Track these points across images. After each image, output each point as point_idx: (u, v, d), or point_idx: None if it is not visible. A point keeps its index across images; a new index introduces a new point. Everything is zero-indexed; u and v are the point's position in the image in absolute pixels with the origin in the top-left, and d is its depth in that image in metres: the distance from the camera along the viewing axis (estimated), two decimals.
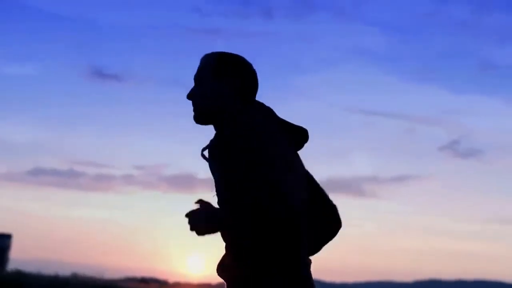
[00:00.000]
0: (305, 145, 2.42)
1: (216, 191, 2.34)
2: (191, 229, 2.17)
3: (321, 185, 2.45)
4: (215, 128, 2.42)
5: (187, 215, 2.18)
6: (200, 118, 2.42)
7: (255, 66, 2.49)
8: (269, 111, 2.38)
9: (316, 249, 2.41)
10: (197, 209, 2.19)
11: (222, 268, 2.33)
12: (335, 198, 2.35)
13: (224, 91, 2.36)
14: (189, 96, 2.43)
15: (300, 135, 2.38)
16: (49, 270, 23.77)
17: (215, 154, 2.26)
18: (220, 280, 2.34)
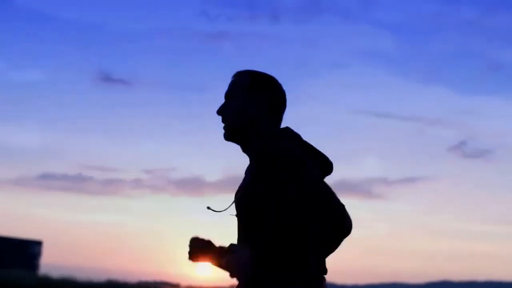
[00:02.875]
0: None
1: (242, 206, 2.32)
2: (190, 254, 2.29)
3: (331, 186, 2.42)
4: (244, 147, 2.43)
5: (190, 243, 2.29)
6: (231, 135, 2.41)
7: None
8: (295, 134, 2.38)
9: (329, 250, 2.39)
10: (202, 242, 2.27)
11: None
12: (345, 200, 2.35)
13: (255, 109, 2.38)
14: (219, 112, 2.43)
15: (324, 164, 2.37)
16: (59, 273, 23.98)
17: (266, 167, 2.25)
18: (230, 282, 2.36)
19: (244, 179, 2.41)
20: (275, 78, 2.46)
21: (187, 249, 2.30)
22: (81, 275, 22.80)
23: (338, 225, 2.19)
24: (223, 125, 2.43)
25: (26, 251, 32.17)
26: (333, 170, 2.40)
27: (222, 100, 2.47)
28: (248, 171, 2.40)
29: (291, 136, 2.37)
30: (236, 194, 2.41)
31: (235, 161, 2.52)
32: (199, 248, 2.27)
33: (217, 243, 2.28)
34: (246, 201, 2.32)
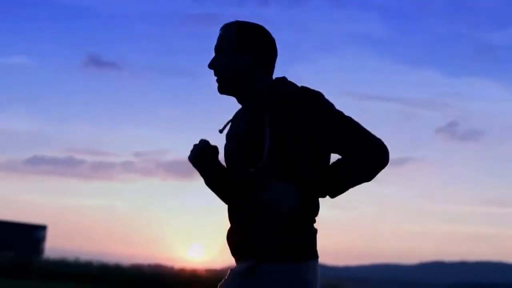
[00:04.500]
0: None
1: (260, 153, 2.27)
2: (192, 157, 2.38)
3: None
4: (239, 99, 2.42)
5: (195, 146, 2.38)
6: (224, 88, 2.40)
7: None
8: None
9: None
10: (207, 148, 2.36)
11: (231, 233, 2.35)
12: None
13: (246, 60, 2.37)
14: (210, 65, 2.42)
15: None
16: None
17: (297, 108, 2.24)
18: (224, 265, 2.43)
19: (238, 125, 2.40)
20: (263, 27, 2.44)
21: (193, 148, 2.38)
22: (71, 258, 22.88)
23: (383, 152, 2.25)
24: (215, 78, 2.42)
25: (30, 235, 32.48)
26: None
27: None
28: (243, 118, 2.38)
29: (292, 83, 2.37)
30: (232, 137, 2.42)
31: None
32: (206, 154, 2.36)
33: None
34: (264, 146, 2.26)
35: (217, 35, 2.45)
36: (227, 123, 2.46)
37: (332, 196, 2.31)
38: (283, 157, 2.24)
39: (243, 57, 2.38)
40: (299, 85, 2.32)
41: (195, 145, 2.38)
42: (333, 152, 2.30)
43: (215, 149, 2.38)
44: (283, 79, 2.38)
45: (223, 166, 2.43)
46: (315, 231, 2.30)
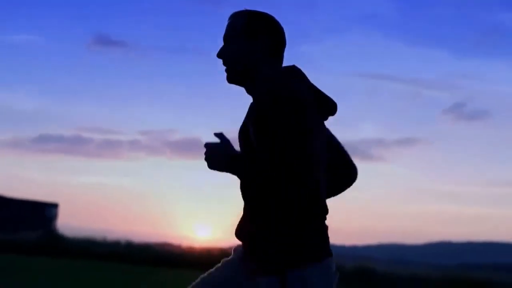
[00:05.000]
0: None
1: (245, 144, 2.31)
2: (206, 159, 2.22)
3: None
4: (248, 89, 2.38)
5: (206, 145, 2.23)
6: (233, 78, 2.38)
7: None
8: (301, 75, 2.35)
9: (334, 193, 2.51)
10: (218, 144, 2.23)
11: (241, 230, 2.35)
12: None
13: (255, 50, 2.34)
14: (219, 55, 2.40)
15: (328, 106, 2.35)
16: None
17: (272, 112, 2.17)
18: (230, 243, 2.39)
19: (246, 117, 2.38)
20: (272, 16, 2.41)
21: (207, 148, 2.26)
22: (99, 237, 22.98)
23: (351, 169, 2.44)
24: (224, 68, 2.40)
25: (42, 213, 32.74)
26: (330, 126, 2.42)
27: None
28: (250, 112, 2.35)
29: (297, 75, 2.34)
30: (239, 131, 2.39)
31: (234, 123, 2.47)
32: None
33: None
34: (248, 141, 2.28)
35: (227, 17, 2.43)
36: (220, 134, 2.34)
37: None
38: (281, 157, 2.15)
39: (252, 46, 2.35)
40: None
41: (204, 152, 2.26)
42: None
43: (221, 143, 2.25)
44: (289, 71, 2.34)
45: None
46: (326, 228, 2.29)
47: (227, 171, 2.22)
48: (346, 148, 2.50)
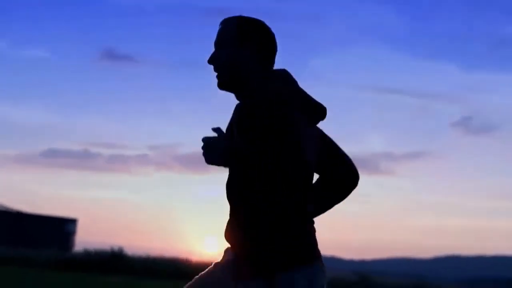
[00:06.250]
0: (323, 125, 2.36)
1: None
2: (204, 153, 2.20)
3: None
4: (238, 95, 2.36)
5: (203, 139, 2.21)
6: (224, 83, 2.36)
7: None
8: (291, 80, 2.33)
9: (332, 203, 2.39)
10: (215, 138, 2.21)
11: (229, 233, 2.33)
12: None
13: (246, 55, 2.33)
14: (210, 61, 2.38)
15: (317, 111, 2.32)
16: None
17: (250, 119, 2.19)
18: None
19: (231, 119, 2.36)
20: (263, 22, 2.39)
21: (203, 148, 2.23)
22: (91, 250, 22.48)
23: (348, 171, 2.33)
24: (215, 74, 2.38)
25: (61, 229, 32.81)
26: (340, 144, 2.37)
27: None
28: (236, 114, 2.31)
29: (286, 79, 2.32)
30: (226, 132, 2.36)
31: None
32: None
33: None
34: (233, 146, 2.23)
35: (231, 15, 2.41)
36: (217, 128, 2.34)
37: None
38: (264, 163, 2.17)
39: (242, 52, 2.34)
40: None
41: (202, 147, 2.24)
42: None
43: (218, 137, 2.24)
44: (278, 74, 2.34)
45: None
46: (314, 231, 2.29)
47: (225, 164, 2.22)
48: (354, 160, 2.43)
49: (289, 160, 2.16)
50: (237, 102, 2.36)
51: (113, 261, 20.94)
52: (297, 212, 2.22)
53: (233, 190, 2.30)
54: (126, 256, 21.92)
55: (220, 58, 2.36)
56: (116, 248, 21.66)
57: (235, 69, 2.33)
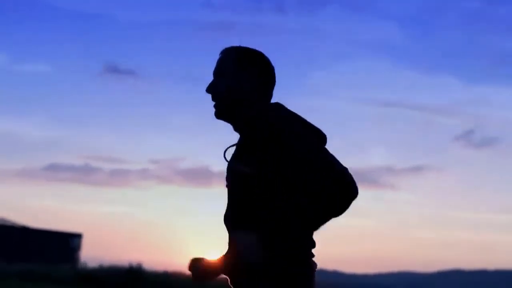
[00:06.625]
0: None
1: (236, 185, 2.28)
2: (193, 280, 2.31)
3: None
4: (235, 125, 2.36)
5: (190, 268, 2.29)
6: (221, 113, 2.35)
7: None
8: (288, 110, 2.31)
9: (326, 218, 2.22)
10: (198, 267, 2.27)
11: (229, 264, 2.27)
12: None
13: (244, 86, 2.32)
14: (208, 90, 2.36)
15: (318, 136, 2.30)
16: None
17: (256, 146, 2.19)
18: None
19: (233, 154, 2.36)
20: (262, 53, 2.38)
21: (191, 271, 2.31)
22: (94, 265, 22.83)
23: (348, 187, 2.14)
24: (213, 103, 2.37)
25: (66, 244, 32.68)
26: (341, 159, 2.26)
27: None
28: (237, 147, 2.33)
29: (283, 109, 2.29)
30: (228, 166, 2.36)
31: None
32: (201, 269, 2.27)
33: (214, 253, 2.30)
34: (236, 176, 2.27)
35: (232, 44, 2.41)
36: (226, 149, 2.40)
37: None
38: (251, 199, 2.20)
39: (241, 82, 2.32)
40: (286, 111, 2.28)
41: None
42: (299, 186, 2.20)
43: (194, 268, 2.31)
44: (274, 105, 2.33)
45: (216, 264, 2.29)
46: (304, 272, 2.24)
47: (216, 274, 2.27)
48: (355, 174, 2.29)
49: (289, 163, 2.17)
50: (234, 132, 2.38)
51: (131, 278, 20.82)
52: (298, 215, 2.16)
53: (230, 220, 2.32)
54: (145, 272, 21.87)
55: (218, 87, 2.36)
56: (134, 264, 21.59)
57: (233, 98, 2.33)
